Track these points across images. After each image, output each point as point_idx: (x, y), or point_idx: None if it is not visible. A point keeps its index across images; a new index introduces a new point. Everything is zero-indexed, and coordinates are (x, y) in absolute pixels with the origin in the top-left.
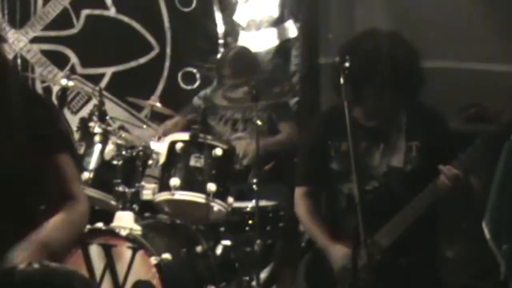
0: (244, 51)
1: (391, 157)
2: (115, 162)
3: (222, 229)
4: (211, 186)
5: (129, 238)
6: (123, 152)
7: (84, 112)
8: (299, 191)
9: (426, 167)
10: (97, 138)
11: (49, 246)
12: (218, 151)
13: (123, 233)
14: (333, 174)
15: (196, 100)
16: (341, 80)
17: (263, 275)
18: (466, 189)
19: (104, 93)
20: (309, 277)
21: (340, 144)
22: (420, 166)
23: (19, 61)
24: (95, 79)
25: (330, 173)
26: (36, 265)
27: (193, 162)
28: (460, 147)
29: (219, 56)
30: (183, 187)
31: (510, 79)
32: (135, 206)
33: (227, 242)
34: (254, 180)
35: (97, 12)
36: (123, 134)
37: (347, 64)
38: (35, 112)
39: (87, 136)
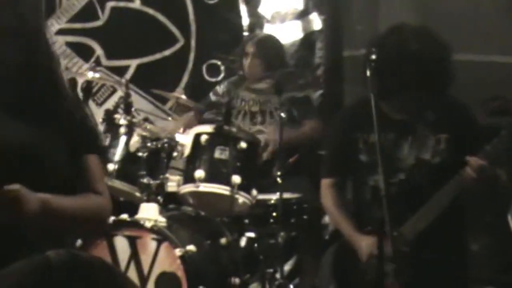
0: (272, 38)
1: (419, 149)
2: (140, 154)
3: (246, 221)
4: (236, 179)
5: (154, 229)
6: (148, 144)
7: (109, 104)
8: (325, 183)
9: (454, 159)
10: (122, 130)
11: (49, 206)
12: (243, 144)
13: (148, 224)
14: (361, 165)
15: (212, 96)
16: (367, 73)
17: (286, 267)
18: (492, 180)
19: (129, 85)
20: (335, 269)
21: (368, 136)
22: (448, 158)
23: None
24: (120, 71)
25: (358, 165)
26: (64, 253)
27: (218, 154)
28: (485, 140)
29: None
30: (208, 179)
31: None
32: (159, 198)
33: (251, 234)
34: (278, 173)
35: (122, 4)
36: (148, 126)
37: (373, 57)
38: (70, 111)
39: (112, 127)
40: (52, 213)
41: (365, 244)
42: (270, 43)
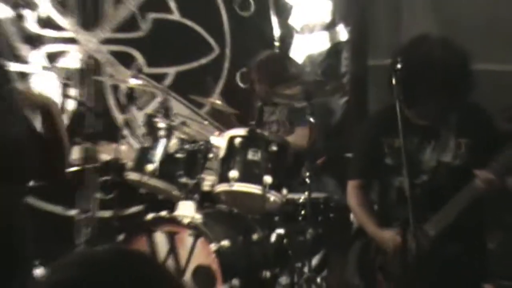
0: (273, 57)
1: (441, 152)
2: (178, 155)
3: (276, 218)
4: (267, 179)
5: (191, 226)
6: (186, 146)
7: (150, 109)
8: (352, 184)
9: (473, 162)
10: (161, 132)
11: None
12: (274, 146)
13: (185, 221)
14: (386, 168)
15: None
16: (393, 81)
17: (314, 261)
18: (502, 190)
19: (168, 91)
20: (360, 264)
21: (393, 140)
22: (468, 161)
23: (91, 61)
24: (159, 78)
25: (383, 168)
26: (111, 248)
27: (250, 156)
28: (503, 145)
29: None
30: (241, 179)
31: None
32: (196, 196)
33: (281, 231)
34: (307, 174)
35: (162, 16)
36: (186, 129)
37: (399, 66)
38: None
39: (152, 130)
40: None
41: (388, 237)
42: (271, 63)
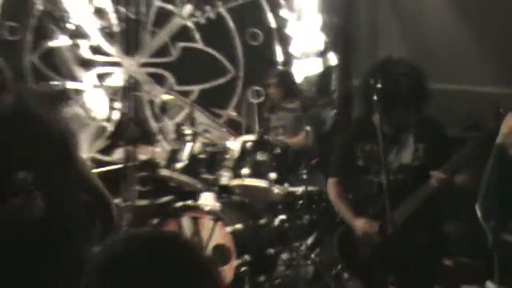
0: (288, 72)
1: (402, 155)
2: (201, 156)
3: (279, 207)
4: (272, 175)
5: (211, 212)
6: (207, 149)
7: (178, 119)
8: (331, 181)
9: (429, 163)
10: (188, 138)
11: None
12: (277, 149)
13: (206, 209)
14: (358, 168)
15: None
16: (375, 97)
17: (309, 241)
18: (453, 187)
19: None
20: (340, 245)
21: (364, 146)
22: (425, 163)
23: (131, 81)
24: (186, 94)
25: (356, 168)
26: (155, 231)
27: (259, 157)
28: (453, 150)
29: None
30: (251, 175)
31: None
32: (215, 189)
33: (283, 217)
34: (304, 171)
35: (189, 44)
36: (207, 135)
37: (379, 85)
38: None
39: (180, 136)
40: None
41: (360, 224)
42: (287, 75)
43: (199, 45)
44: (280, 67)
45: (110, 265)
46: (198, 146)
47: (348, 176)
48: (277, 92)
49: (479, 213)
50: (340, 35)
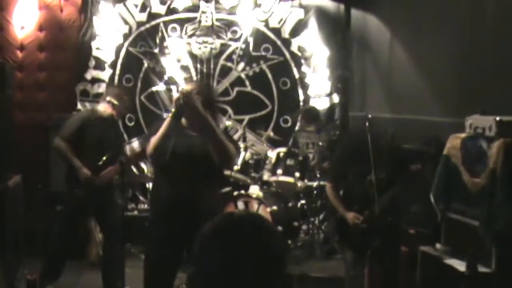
0: (310, 108)
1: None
2: (250, 161)
3: (301, 195)
4: (297, 174)
5: (257, 198)
6: (254, 157)
7: (235, 137)
8: (328, 185)
9: (393, 176)
10: (242, 149)
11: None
12: (301, 157)
13: (254, 196)
14: (348, 175)
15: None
16: (367, 125)
17: (321, 217)
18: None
19: (245, 128)
20: (337, 227)
21: (355, 160)
22: (390, 175)
23: None
24: (240, 121)
25: (346, 175)
26: (247, 212)
27: (288, 162)
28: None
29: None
30: (283, 174)
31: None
32: (260, 183)
33: (303, 201)
34: (318, 172)
35: (241, 88)
36: (254, 148)
37: (370, 116)
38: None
39: (237, 149)
40: None
41: (350, 216)
42: (310, 110)
43: (249, 89)
44: (303, 104)
45: (215, 233)
46: (248, 154)
47: (340, 181)
48: (303, 122)
49: (432, 199)
50: (341, 82)
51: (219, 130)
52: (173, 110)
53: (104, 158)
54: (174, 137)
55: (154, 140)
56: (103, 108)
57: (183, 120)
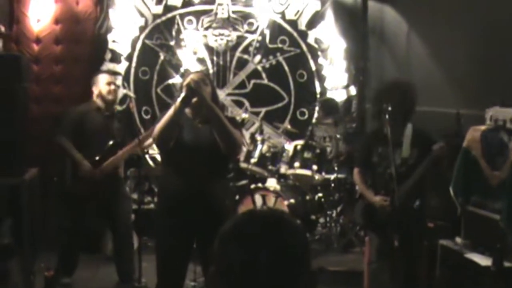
0: (329, 99)
1: (401, 154)
2: (267, 154)
3: (318, 188)
4: (314, 167)
5: (274, 191)
6: (271, 149)
7: (252, 129)
8: (356, 170)
9: (419, 160)
10: (259, 142)
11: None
12: (318, 150)
13: (271, 189)
14: (373, 163)
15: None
16: (386, 117)
17: (338, 209)
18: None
19: (262, 120)
20: (363, 213)
21: (377, 148)
22: (417, 160)
23: (221, 105)
24: (257, 113)
25: (371, 163)
26: (269, 208)
27: (306, 154)
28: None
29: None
30: (300, 167)
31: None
32: (277, 176)
33: (320, 194)
34: (335, 164)
35: (258, 81)
36: (271, 140)
37: (389, 108)
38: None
39: (254, 141)
40: None
41: (377, 199)
42: (329, 102)
43: (265, 81)
44: (320, 97)
45: (236, 231)
46: (265, 147)
47: (366, 168)
48: (320, 116)
49: (451, 192)
50: (357, 74)
51: (224, 119)
52: (181, 95)
53: (107, 148)
54: (181, 127)
55: (160, 123)
56: (97, 100)
57: (190, 111)
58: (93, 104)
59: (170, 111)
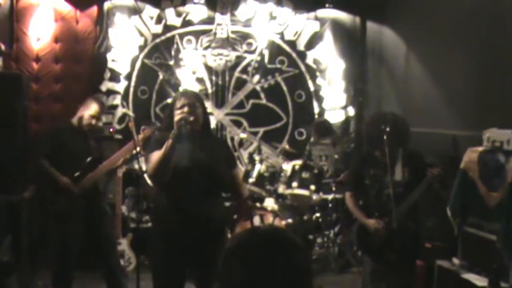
0: (323, 121)
1: (394, 176)
2: (265, 174)
3: (316, 208)
4: (312, 187)
5: (272, 211)
6: (269, 169)
7: (250, 149)
8: (348, 194)
9: (413, 181)
10: (257, 162)
11: None
12: (316, 170)
13: (269, 209)
14: (365, 186)
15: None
16: (384, 138)
17: (336, 229)
18: (443, 179)
19: (260, 140)
20: (358, 235)
21: (369, 170)
22: (410, 181)
23: (219, 124)
24: (255, 133)
25: (364, 185)
26: (270, 226)
27: (303, 175)
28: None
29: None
30: (298, 187)
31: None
32: (275, 196)
33: (318, 214)
34: (333, 185)
35: (256, 101)
36: (269, 160)
37: (388, 129)
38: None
39: (252, 161)
40: None
41: (371, 222)
42: (323, 123)
43: (264, 101)
44: (318, 117)
45: (240, 249)
46: (263, 167)
47: (358, 191)
48: (315, 137)
49: (449, 213)
50: (356, 95)
51: (216, 162)
52: (173, 132)
53: (85, 164)
54: (175, 154)
55: (154, 161)
56: (78, 118)
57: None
58: (70, 123)
59: (164, 148)
